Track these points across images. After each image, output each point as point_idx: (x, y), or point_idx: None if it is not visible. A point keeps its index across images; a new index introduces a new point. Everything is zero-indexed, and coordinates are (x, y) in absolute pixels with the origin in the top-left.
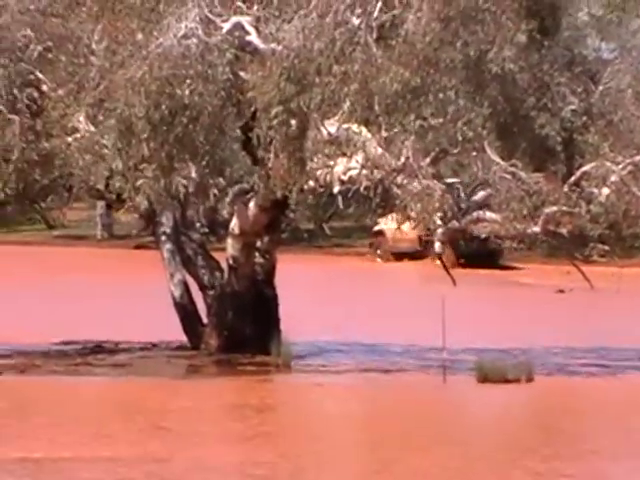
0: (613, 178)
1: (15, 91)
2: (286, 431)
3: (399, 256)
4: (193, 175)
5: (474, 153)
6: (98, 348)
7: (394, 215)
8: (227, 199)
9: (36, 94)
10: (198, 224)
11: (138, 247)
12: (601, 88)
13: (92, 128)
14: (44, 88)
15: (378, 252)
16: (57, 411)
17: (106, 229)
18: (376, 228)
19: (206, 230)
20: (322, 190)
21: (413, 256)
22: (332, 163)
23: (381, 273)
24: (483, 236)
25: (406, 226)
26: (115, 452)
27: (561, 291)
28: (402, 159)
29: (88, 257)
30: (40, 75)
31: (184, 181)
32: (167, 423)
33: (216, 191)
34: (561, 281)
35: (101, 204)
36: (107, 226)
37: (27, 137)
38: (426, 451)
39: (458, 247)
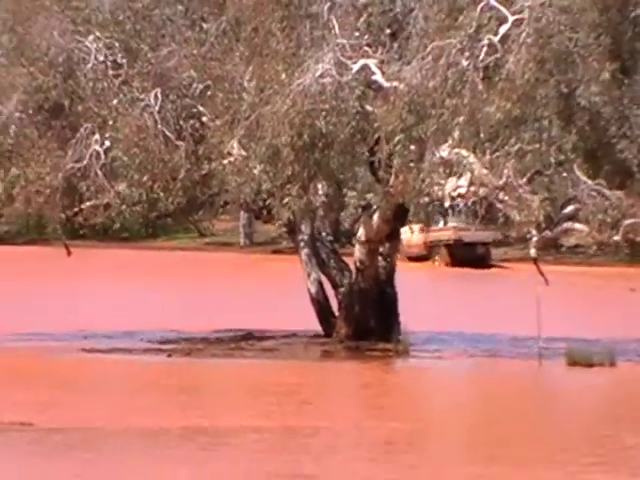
0: None
1: (181, 122)
2: (406, 404)
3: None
4: (320, 192)
5: (564, 174)
6: (249, 335)
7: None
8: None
9: (198, 124)
10: (324, 233)
11: (275, 252)
12: None
13: (244, 153)
14: (204, 119)
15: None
16: (218, 387)
17: (248, 237)
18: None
19: (332, 238)
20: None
21: (419, 259)
22: (443, 182)
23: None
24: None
25: (414, 235)
26: (267, 423)
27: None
28: (503, 178)
29: (233, 260)
30: (201, 108)
31: (323, 198)
32: (308, 398)
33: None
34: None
35: (244, 216)
36: (248, 234)
37: (191, 160)
38: (532, 422)
39: (454, 253)
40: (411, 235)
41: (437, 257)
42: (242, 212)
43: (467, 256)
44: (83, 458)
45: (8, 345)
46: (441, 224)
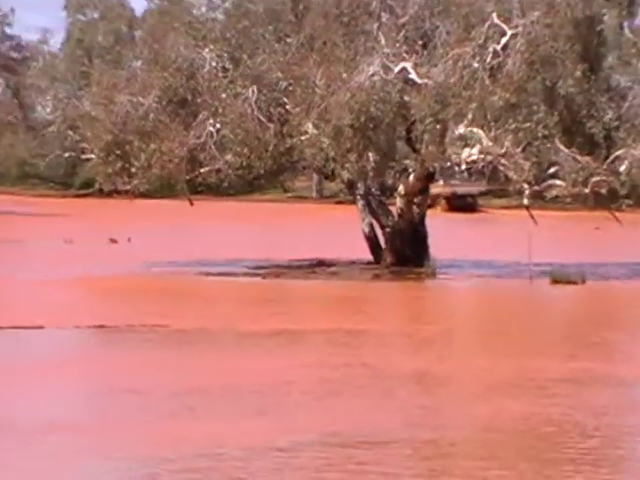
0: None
1: (271, 109)
2: (436, 311)
3: None
4: (370, 159)
5: (548, 145)
6: (319, 263)
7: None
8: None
9: (283, 111)
10: (373, 189)
11: (338, 202)
12: (627, 104)
13: (316, 131)
14: (287, 107)
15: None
16: (298, 300)
17: (318, 192)
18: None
19: (379, 192)
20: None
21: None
22: (460, 152)
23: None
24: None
25: None
26: (333, 325)
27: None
28: (504, 149)
29: (308, 209)
30: (285, 100)
31: (372, 163)
32: (368, 307)
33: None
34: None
35: (315, 177)
36: (319, 190)
37: (277, 137)
38: (527, 323)
39: (450, 202)
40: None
41: (438, 206)
42: (314, 174)
43: (459, 204)
44: (198, 349)
45: (149, 270)
46: (441, 182)
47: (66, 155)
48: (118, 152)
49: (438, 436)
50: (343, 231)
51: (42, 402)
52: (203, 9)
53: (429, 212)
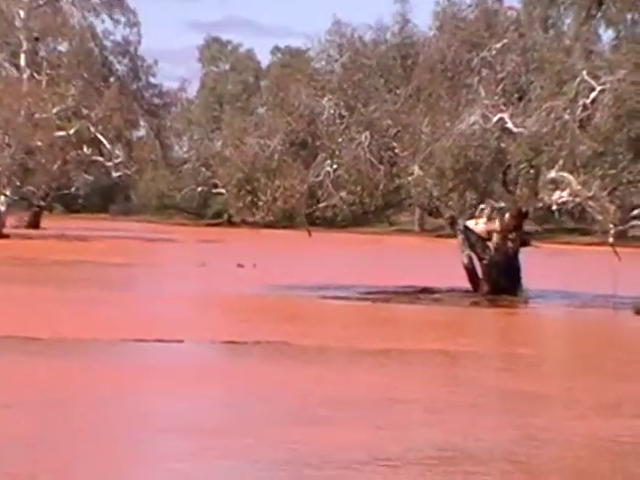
0: None
1: (381, 153)
2: (529, 336)
3: None
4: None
5: (632, 189)
6: (423, 290)
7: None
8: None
9: (392, 154)
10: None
11: (438, 236)
12: None
13: (421, 173)
14: (396, 151)
15: None
16: (405, 322)
17: (420, 226)
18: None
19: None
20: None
21: None
22: (551, 194)
23: None
24: None
25: (479, 225)
26: (436, 346)
27: None
28: (591, 192)
29: (411, 241)
30: (394, 144)
31: (472, 202)
32: (469, 331)
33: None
34: None
35: (418, 212)
36: (421, 224)
37: (387, 177)
38: (614, 349)
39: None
40: (475, 225)
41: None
42: (417, 210)
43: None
44: (319, 364)
45: (272, 292)
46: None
47: (199, 189)
48: (248, 188)
49: (544, 452)
50: (443, 262)
51: (191, 408)
52: (323, 62)
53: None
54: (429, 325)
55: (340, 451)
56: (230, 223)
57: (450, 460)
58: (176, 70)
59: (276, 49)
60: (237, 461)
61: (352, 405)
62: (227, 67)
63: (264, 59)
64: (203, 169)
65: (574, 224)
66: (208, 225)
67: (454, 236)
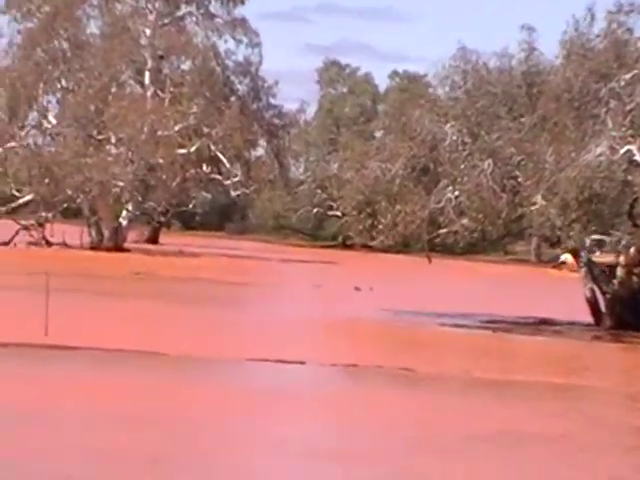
0: None
1: (504, 181)
2: None
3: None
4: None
5: None
6: (543, 321)
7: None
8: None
9: (515, 183)
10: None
11: (554, 267)
12: None
13: (544, 202)
14: (519, 180)
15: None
16: (525, 354)
17: (537, 256)
18: (561, 258)
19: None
20: None
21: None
22: None
23: None
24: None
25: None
26: (567, 379)
27: None
28: None
29: (527, 271)
30: (517, 173)
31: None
32: (586, 365)
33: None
34: None
35: (535, 242)
36: (537, 255)
37: (509, 206)
38: None
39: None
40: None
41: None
42: (534, 239)
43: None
44: (438, 390)
45: (390, 317)
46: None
47: (315, 210)
48: (368, 211)
49: None
50: (562, 294)
51: (321, 430)
52: (447, 88)
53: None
54: (552, 358)
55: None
56: (345, 245)
57: None
58: (294, 91)
59: (394, 73)
60: None
61: (483, 439)
62: (345, 90)
63: (381, 83)
64: (319, 191)
65: None
66: (323, 247)
67: (577, 269)
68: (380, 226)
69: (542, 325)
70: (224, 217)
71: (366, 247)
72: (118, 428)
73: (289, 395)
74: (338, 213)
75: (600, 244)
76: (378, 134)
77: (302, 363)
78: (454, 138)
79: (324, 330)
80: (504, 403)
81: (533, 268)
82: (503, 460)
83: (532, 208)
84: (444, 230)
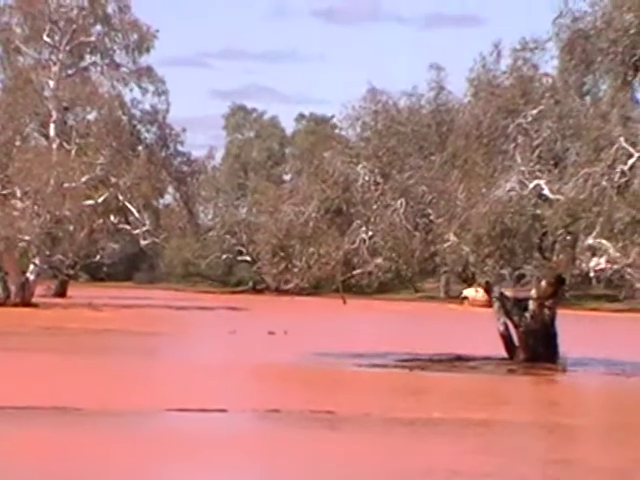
0: None
1: (417, 219)
2: (569, 405)
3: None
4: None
5: None
6: (458, 357)
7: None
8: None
9: (427, 221)
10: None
11: (461, 303)
12: None
13: (457, 240)
14: (432, 218)
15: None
16: (443, 391)
17: (446, 293)
18: (463, 294)
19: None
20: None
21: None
22: (589, 261)
23: None
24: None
25: (478, 294)
26: (477, 415)
27: None
28: (630, 259)
29: (437, 308)
30: (430, 211)
31: (508, 269)
32: (503, 399)
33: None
34: None
35: (443, 279)
36: (446, 291)
37: (423, 244)
38: None
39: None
40: (476, 293)
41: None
42: (442, 276)
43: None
44: (353, 430)
45: (306, 360)
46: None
47: (224, 256)
48: (282, 254)
49: None
50: (474, 329)
51: (249, 475)
52: (358, 129)
53: (489, 311)
54: (469, 394)
55: None
56: (255, 290)
57: None
58: (201, 138)
59: (300, 116)
60: None
61: (412, 478)
62: (252, 134)
63: (287, 126)
64: (228, 236)
65: (603, 290)
66: (233, 292)
67: (489, 304)
68: (295, 269)
69: (457, 361)
70: (132, 267)
71: (277, 291)
72: None
73: (212, 443)
74: (247, 258)
75: (517, 278)
76: (287, 177)
77: (223, 411)
78: (366, 179)
79: (242, 376)
80: (427, 441)
81: (442, 305)
82: None
83: (445, 245)
84: (359, 271)
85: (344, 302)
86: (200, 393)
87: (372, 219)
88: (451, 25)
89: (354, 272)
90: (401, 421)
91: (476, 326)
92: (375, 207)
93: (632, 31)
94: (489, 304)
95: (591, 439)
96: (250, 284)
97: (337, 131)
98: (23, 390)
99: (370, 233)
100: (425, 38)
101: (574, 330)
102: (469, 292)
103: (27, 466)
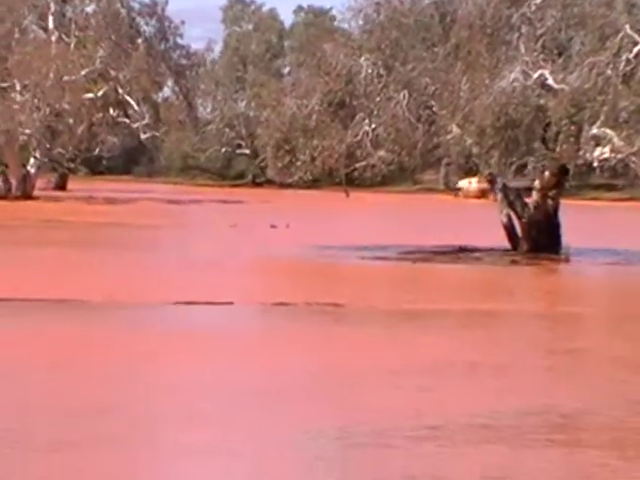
0: None
1: (420, 111)
2: (568, 293)
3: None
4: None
5: None
6: (462, 249)
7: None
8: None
9: (431, 113)
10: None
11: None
12: None
13: (460, 132)
14: (435, 110)
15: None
16: (442, 282)
17: (445, 185)
18: (458, 185)
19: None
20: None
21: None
22: (593, 150)
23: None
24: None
25: (472, 185)
26: (477, 306)
27: None
28: (634, 148)
29: (440, 200)
30: (433, 103)
31: (513, 159)
32: (506, 289)
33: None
34: None
35: (443, 171)
36: (446, 183)
37: (425, 136)
38: None
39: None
40: (469, 185)
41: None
42: (442, 168)
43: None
44: (370, 323)
45: (309, 253)
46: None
47: (223, 150)
48: (286, 148)
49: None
50: (473, 220)
51: (259, 369)
52: (360, 21)
53: (482, 202)
54: (474, 285)
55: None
56: (255, 184)
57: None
58: (195, 31)
59: (299, 8)
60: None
61: (420, 371)
62: (250, 27)
63: (286, 19)
64: (227, 130)
65: (602, 180)
66: (232, 186)
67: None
68: (298, 163)
69: (461, 253)
70: (131, 161)
71: (276, 184)
72: (45, 378)
73: (221, 335)
74: (247, 151)
75: (519, 170)
76: (286, 70)
77: (230, 303)
78: (369, 71)
79: (247, 269)
80: (434, 333)
81: (442, 196)
82: (458, 390)
83: (448, 137)
84: (362, 163)
85: (347, 195)
86: (206, 286)
87: (375, 111)
88: None
89: (357, 165)
90: (407, 313)
91: (474, 217)
92: (378, 99)
93: None
94: (482, 195)
95: (600, 328)
96: (249, 177)
97: (336, 23)
98: (27, 283)
99: (373, 126)
100: None
101: (577, 220)
102: (463, 183)
103: (35, 358)
